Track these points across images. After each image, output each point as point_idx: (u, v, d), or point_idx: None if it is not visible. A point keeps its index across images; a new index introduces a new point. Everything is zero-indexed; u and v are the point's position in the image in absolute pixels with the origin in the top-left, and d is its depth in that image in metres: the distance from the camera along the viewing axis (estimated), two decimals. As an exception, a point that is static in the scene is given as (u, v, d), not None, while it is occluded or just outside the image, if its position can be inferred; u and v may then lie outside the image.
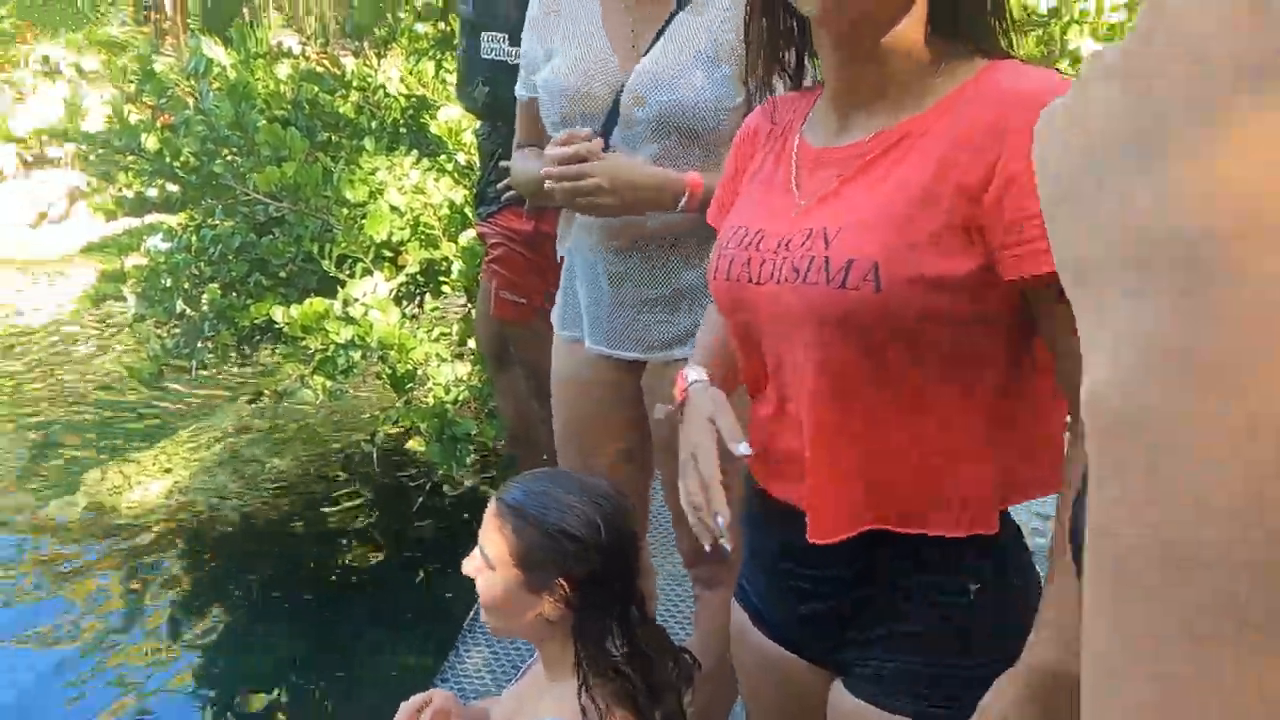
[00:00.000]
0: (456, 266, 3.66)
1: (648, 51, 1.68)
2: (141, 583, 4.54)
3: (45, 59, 11.29)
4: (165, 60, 11.87)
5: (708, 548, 1.17)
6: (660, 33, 1.68)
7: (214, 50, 4.22)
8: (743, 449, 1.17)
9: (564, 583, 1.36)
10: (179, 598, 4.43)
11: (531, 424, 2.96)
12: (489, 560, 1.41)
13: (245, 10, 13.52)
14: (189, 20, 12.61)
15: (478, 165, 3.93)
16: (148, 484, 5.37)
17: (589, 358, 1.85)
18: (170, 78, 4.41)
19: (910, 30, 1.06)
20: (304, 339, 3.39)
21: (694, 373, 1.31)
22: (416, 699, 1.50)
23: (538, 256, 1.98)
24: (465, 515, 5.02)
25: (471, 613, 2.94)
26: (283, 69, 4.45)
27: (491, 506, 1.46)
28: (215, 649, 4.08)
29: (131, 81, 3.99)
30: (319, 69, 4.50)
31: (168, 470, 5.50)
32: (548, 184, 1.61)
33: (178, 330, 4.34)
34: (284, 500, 5.23)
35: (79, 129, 3.79)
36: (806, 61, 1.23)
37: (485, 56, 2.39)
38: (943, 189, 1.01)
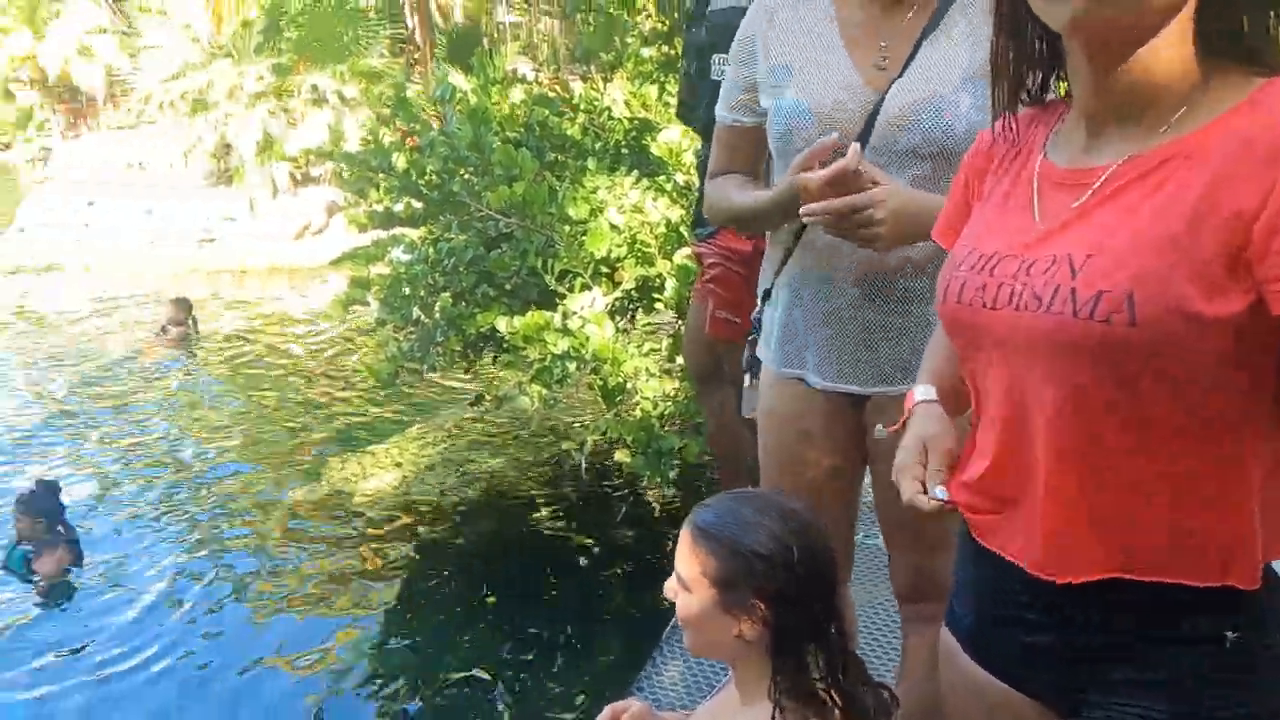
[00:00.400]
0: (670, 284, 3.74)
1: (903, 72, 1.57)
2: (363, 565, 4.91)
3: (314, 88, 12.62)
4: (414, 88, 12.90)
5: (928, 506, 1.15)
6: (914, 51, 1.57)
7: (456, 78, 4.57)
8: (939, 493, 1.14)
9: (759, 603, 1.35)
10: (394, 584, 4.74)
11: (736, 443, 2.97)
12: (684, 582, 1.42)
13: (485, 40, 14.50)
14: (436, 51, 13.67)
15: (696, 186, 4.01)
16: (380, 475, 5.82)
17: (807, 392, 1.76)
18: (419, 103, 4.81)
19: (1173, 42, 0.97)
20: (524, 348, 3.57)
21: (922, 391, 1.28)
22: (617, 705, 1.54)
23: (755, 276, 1.96)
24: (666, 528, 5.10)
25: (669, 626, 2.97)
26: (516, 93, 4.75)
27: (685, 528, 1.48)
28: (420, 638, 4.35)
29: (386, 107, 4.38)
30: (550, 93, 4.74)
31: (397, 464, 5.93)
32: (804, 210, 1.47)
33: (413, 335, 4.70)
34: (496, 500, 5.52)
35: (341, 149, 4.20)
36: (1052, 86, 1.17)
37: (715, 78, 2.42)
38: (1208, 217, 0.93)
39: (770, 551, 1.35)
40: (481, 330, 4.13)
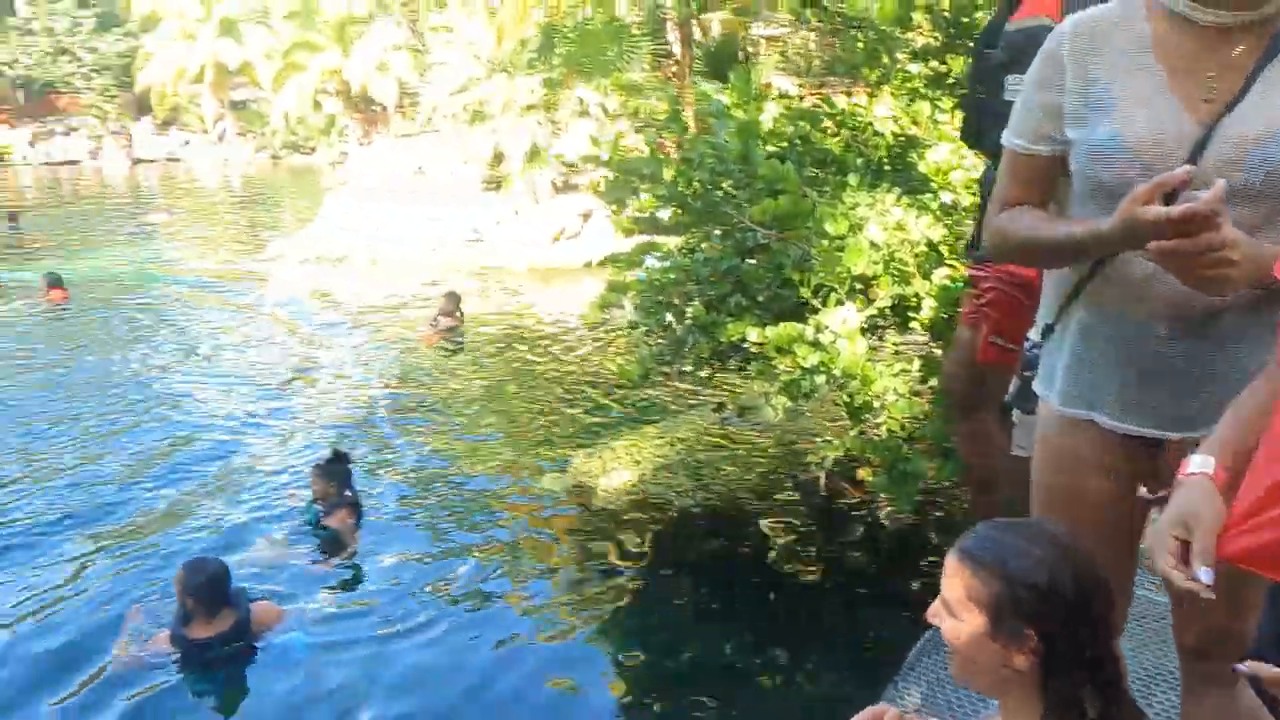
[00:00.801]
0: (927, 305, 3.66)
1: (1234, 106, 1.45)
2: (602, 555, 5.15)
3: (580, 100, 13.35)
4: (665, 101, 13.27)
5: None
6: (1248, 84, 1.45)
7: (709, 89, 4.69)
8: (1205, 576, 1.09)
9: (1031, 633, 1.33)
10: (628, 575, 4.92)
11: (995, 474, 2.87)
12: (950, 608, 1.41)
13: (741, 54, 14.72)
14: (694, 65, 14.05)
15: (962, 205, 3.90)
16: (619, 472, 6.08)
17: (1096, 433, 1.67)
18: (686, 117, 5.00)
19: None
20: (774, 360, 3.62)
21: (1199, 462, 1.20)
22: (873, 710, 1.55)
23: (1036, 303, 1.87)
24: (900, 551, 4.98)
25: (913, 651, 2.91)
26: (772, 108, 4.80)
27: (952, 553, 1.46)
28: (650, 632, 4.49)
29: (649, 119, 4.58)
30: (813, 108, 4.77)
31: (636, 463, 6.17)
32: (1153, 246, 1.37)
33: (663, 340, 4.89)
34: (729, 506, 5.61)
35: (617, 158, 4.44)
36: None
37: (1008, 98, 2.33)
38: None
39: (1042, 581, 1.32)
40: (731, 339, 4.23)
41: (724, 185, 4.17)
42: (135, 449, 6.64)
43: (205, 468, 6.22)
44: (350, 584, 4.80)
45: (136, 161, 33.29)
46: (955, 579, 1.42)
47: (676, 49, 15.03)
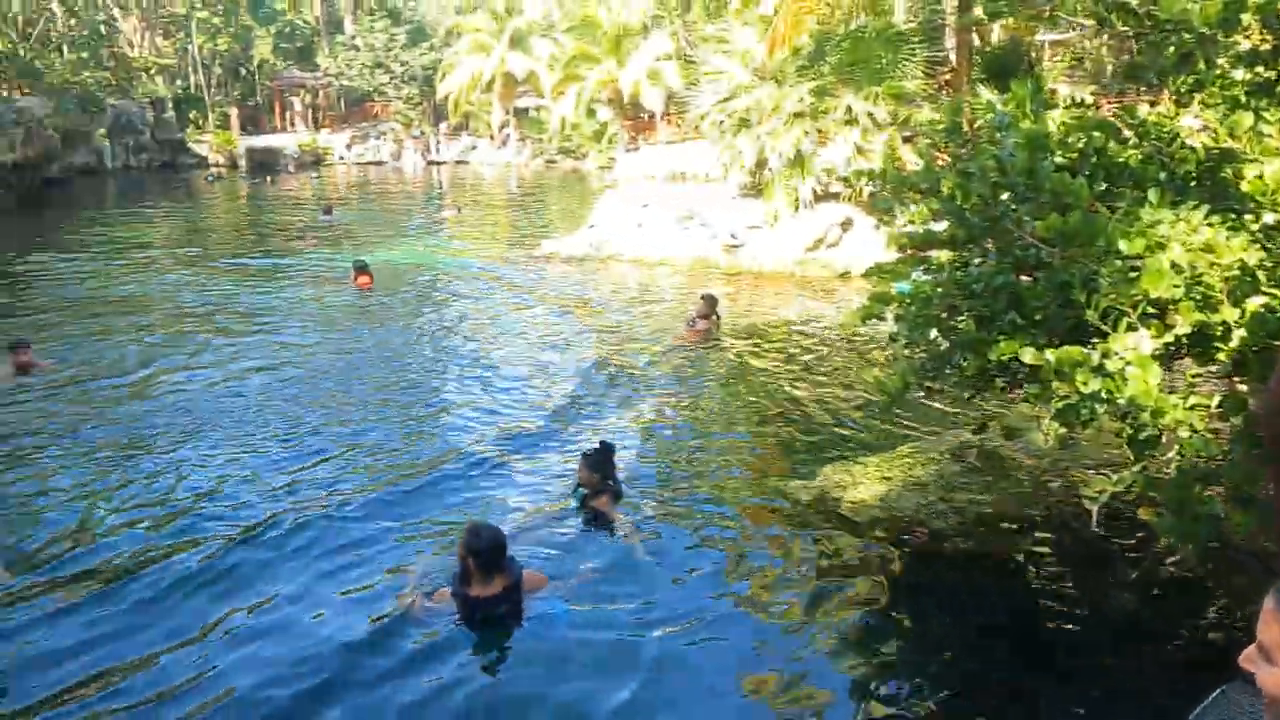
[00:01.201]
0: (1236, 335, 3.33)
1: None
2: (842, 569, 5.09)
3: (848, 109, 13.19)
4: (933, 111, 12.81)
5: None
6: None
7: (990, 97, 4.49)
8: None
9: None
10: (865, 593, 4.82)
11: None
12: (1269, 653, 1.33)
13: (1025, 60, 13.90)
14: (972, 72, 13.46)
15: (1286, 226, 3.50)
16: (868, 485, 5.98)
17: None
18: (964, 127, 4.83)
19: None
20: (1052, 383, 3.44)
21: None
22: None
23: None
24: (1184, 599, 4.55)
25: (1197, 710, 2.68)
26: (1059, 116, 4.51)
27: (1271, 596, 1.37)
28: (884, 657, 4.38)
29: (933, 129, 4.48)
30: (1110, 117, 4.46)
31: (886, 479, 6.04)
32: None
33: (925, 355, 4.76)
34: (981, 532, 5.35)
35: (892, 170, 4.39)
36: None
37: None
38: None
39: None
40: (1001, 358, 4.05)
41: (1005, 199, 4.00)
42: (420, 425, 7.40)
43: (483, 447, 6.80)
44: (606, 563, 5.08)
45: (430, 163, 36.82)
46: (1271, 625, 1.34)
47: (953, 56, 14.46)
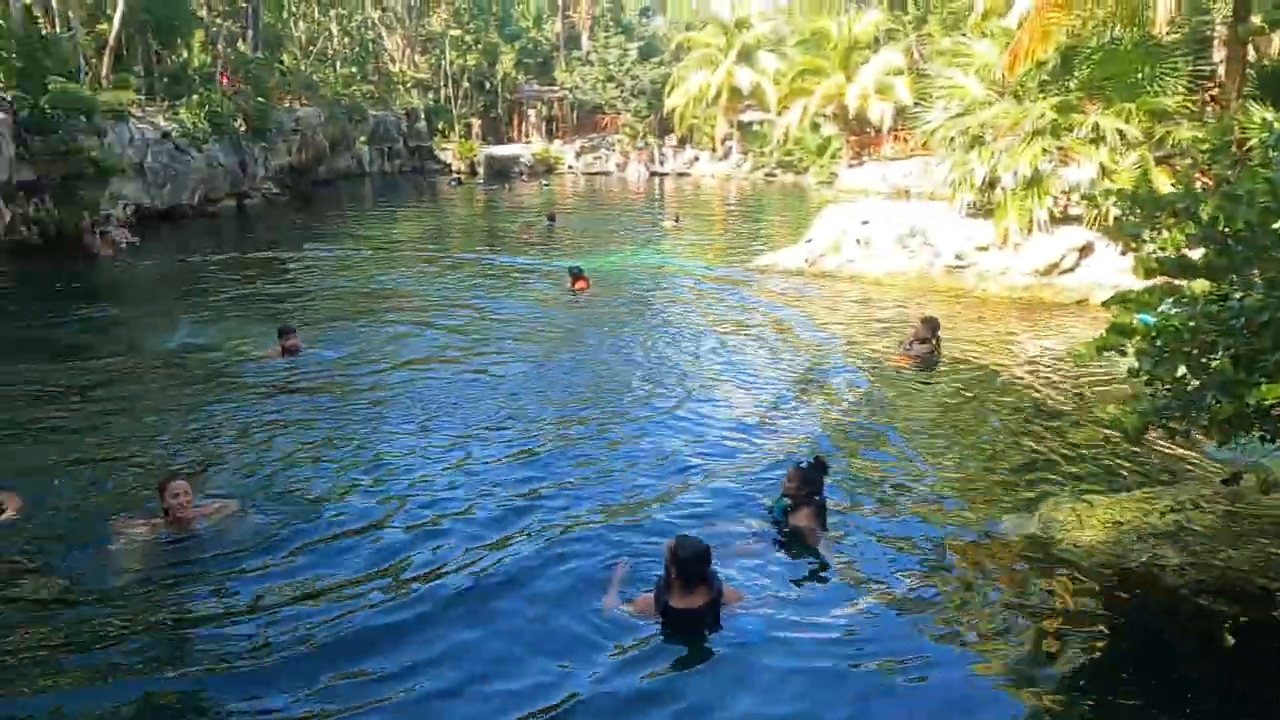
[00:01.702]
0: None
1: None
2: (1054, 610, 4.77)
3: (1095, 126, 12.34)
4: (1196, 128, 11.72)
5: None
6: None
7: (1267, 116, 4.08)
8: None
9: None
10: (1085, 649, 4.49)
11: None
12: None
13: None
14: (1244, 88, 12.20)
15: None
16: (1094, 529, 5.57)
17: None
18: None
19: None
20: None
21: None
22: None
23: None
24: None
25: None
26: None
27: None
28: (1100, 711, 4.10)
29: (1195, 148, 4.14)
30: None
31: (1115, 524, 5.59)
32: None
33: (1169, 393, 4.40)
34: (1227, 591, 4.84)
35: (1146, 192, 4.11)
36: None
37: None
38: None
39: None
40: (1262, 402, 3.69)
41: (1277, 226, 3.65)
42: (626, 429, 7.63)
43: (689, 456, 6.91)
44: (805, 584, 5.04)
45: (653, 174, 37.84)
46: None
47: (1221, 70, 13.18)
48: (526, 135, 43.69)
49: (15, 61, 17.07)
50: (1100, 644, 4.54)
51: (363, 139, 35.05)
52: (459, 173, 37.27)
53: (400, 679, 4.20)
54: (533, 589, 4.94)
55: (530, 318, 11.81)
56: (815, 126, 33.94)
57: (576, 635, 4.53)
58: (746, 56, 36.35)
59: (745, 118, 37.95)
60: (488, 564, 5.20)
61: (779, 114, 34.38)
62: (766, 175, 35.30)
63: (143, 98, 22.25)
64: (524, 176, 37.05)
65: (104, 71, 21.37)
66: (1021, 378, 8.99)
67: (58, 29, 20.73)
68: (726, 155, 38.18)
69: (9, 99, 16.29)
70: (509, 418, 7.75)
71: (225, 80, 25.43)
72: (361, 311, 12.24)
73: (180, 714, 4.06)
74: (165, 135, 20.99)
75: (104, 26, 22.51)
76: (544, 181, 35.46)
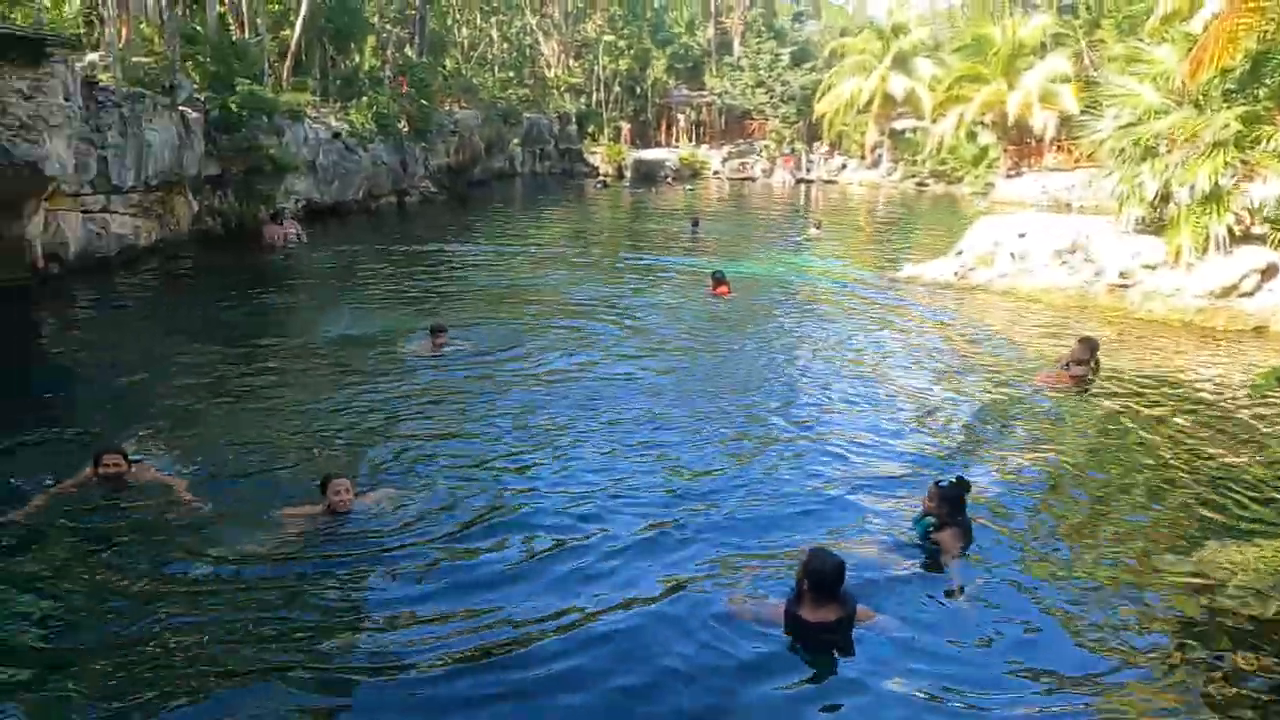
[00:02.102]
0: None
1: None
2: (1214, 671, 4.45)
3: (1285, 141, 11.37)
4: None
5: None
6: None
7: None
8: None
9: None
10: (1249, 692, 4.21)
11: None
12: None
13: None
14: None
15: None
16: (1260, 575, 5.18)
17: None
18: None
19: None
20: None
21: None
22: None
23: None
24: None
25: None
26: None
27: None
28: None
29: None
30: None
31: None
32: None
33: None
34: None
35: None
36: None
37: None
38: None
39: None
40: None
41: None
42: (761, 438, 7.59)
43: (829, 469, 6.82)
44: (941, 609, 4.89)
45: (799, 180, 37.35)
46: None
47: None
48: (675, 139, 43.99)
49: (210, 65, 18.53)
50: (1261, 684, 4.22)
51: (516, 141, 36.15)
52: (605, 175, 37.90)
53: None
54: (645, 587, 5.01)
55: (671, 322, 11.90)
56: (972, 135, 32.71)
57: (704, 631, 4.56)
58: (902, 63, 35.38)
59: (898, 125, 36.95)
60: (617, 557, 5.31)
61: (934, 121, 33.32)
62: (918, 184, 34.27)
63: (317, 99, 23.70)
64: (669, 180, 37.32)
65: (285, 74, 22.89)
66: (1189, 408, 8.38)
67: (246, 34, 22.34)
68: (876, 163, 37.31)
69: (202, 99, 17.68)
70: (645, 420, 7.83)
71: (404, 85, 26.73)
72: (508, 309, 12.65)
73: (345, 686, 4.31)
74: (336, 135, 22.29)
75: (286, 33, 24.11)
76: (688, 186, 35.59)
